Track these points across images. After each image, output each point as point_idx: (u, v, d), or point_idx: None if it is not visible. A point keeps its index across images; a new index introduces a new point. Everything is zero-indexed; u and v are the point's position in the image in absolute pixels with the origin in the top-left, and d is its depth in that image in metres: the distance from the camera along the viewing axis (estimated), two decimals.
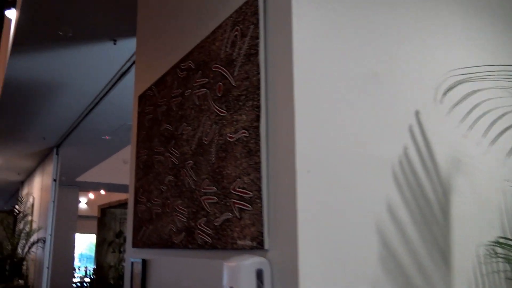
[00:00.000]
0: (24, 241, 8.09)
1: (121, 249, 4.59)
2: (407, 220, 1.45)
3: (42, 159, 9.13)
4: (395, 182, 1.46)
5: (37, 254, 8.40)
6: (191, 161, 1.88)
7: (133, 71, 4.61)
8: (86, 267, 20.16)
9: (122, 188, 13.12)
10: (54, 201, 7.92)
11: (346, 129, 1.42)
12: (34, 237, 8.14)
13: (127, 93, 5.27)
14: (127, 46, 4.08)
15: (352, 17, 1.51)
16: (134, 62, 4.44)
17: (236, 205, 1.53)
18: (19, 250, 8.03)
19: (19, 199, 8.61)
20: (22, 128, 6.94)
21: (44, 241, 7.89)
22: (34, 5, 3.56)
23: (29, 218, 8.74)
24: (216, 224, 1.64)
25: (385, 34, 1.56)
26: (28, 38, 4.06)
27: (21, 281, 8.21)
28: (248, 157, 1.50)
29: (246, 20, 1.60)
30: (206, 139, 1.79)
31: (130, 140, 7.51)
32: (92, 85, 5.03)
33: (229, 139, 1.63)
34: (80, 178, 11.56)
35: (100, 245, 4.77)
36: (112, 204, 4.20)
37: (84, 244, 20.90)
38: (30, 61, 4.50)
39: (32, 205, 9.56)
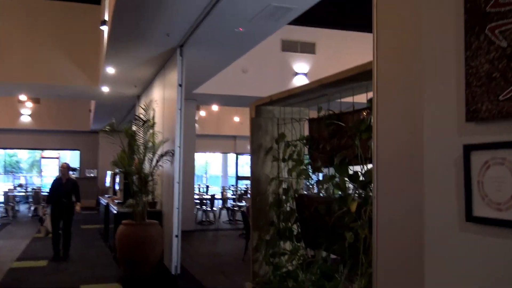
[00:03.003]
0: (150, 155, 7.31)
1: (285, 158, 3.49)
2: None
3: (162, 65, 8.18)
4: None
5: (164, 168, 7.70)
6: None
7: None
8: (199, 185, 20.38)
9: (238, 101, 12.17)
10: (180, 109, 6.95)
11: None
12: (160, 150, 7.35)
13: None
14: None
15: None
16: None
17: None
18: (146, 164, 7.29)
19: (143, 107, 7.75)
20: (144, 23, 5.89)
21: (173, 154, 7.08)
22: None
23: (151, 130, 7.92)
24: None
25: None
26: None
27: (149, 197, 7.54)
28: None
29: None
30: None
31: (269, 33, 6.21)
32: None
33: None
34: (197, 90, 10.69)
35: (255, 153, 3.72)
36: (274, 98, 3.12)
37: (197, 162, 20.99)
38: None
39: (153, 117, 8.81)
